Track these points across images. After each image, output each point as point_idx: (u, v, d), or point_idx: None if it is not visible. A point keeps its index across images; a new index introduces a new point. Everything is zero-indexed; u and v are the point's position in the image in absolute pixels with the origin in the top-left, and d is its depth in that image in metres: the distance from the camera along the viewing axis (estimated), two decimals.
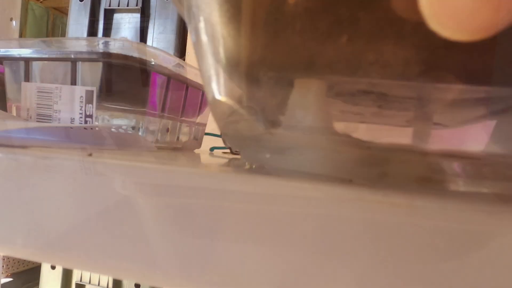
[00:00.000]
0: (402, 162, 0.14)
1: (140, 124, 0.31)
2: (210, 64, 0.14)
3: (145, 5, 1.19)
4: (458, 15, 0.07)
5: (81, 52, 0.27)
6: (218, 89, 0.14)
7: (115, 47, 0.27)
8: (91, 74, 0.28)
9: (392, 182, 0.14)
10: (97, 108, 0.28)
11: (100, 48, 0.27)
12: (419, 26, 0.10)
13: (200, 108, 0.40)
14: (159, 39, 1.21)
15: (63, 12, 1.30)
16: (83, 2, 1.21)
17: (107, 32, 1.25)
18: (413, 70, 0.12)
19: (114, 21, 1.27)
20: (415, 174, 0.14)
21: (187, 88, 0.36)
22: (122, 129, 0.24)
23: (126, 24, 1.28)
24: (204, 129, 0.43)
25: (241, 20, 0.12)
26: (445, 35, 0.08)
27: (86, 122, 0.28)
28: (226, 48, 0.13)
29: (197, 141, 0.43)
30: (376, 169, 0.14)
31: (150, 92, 0.30)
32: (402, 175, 0.14)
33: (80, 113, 0.28)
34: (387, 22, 0.11)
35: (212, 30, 0.13)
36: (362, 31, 0.12)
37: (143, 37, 1.27)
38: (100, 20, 1.23)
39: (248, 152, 0.16)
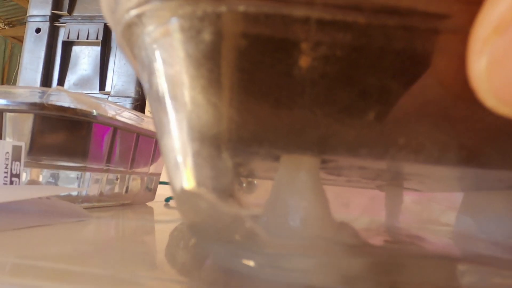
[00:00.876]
0: (417, 268, 0.11)
1: (80, 179, 0.27)
2: (179, 141, 0.10)
3: (107, 37, 1.15)
4: None
5: (8, 103, 0.23)
6: (188, 175, 0.10)
7: (49, 97, 0.23)
8: (20, 127, 0.24)
9: None
10: (27, 166, 0.24)
11: (33, 98, 0.23)
12: (465, 103, 0.08)
13: (154, 157, 0.36)
14: (120, 72, 1.16)
15: (22, 41, 1.23)
16: (39, 33, 1.16)
17: (64, 65, 1.19)
18: (450, 156, 0.09)
19: (73, 54, 1.21)
20: (432, 283, 0.11)
21: (138, 137, 0.33)
22: (47, 197, 0.20)
23: (86, 57, 1.23)
24: (159, 179, 0.39)
25: (229, 86, 0.09)
26: (503, 113, 0.07)
27: (11, 182, 0.24)
28: (203, 119, 0.10)
29: (151, 192, 0.39)
30: (386, 278, 0.11)
31: (92, 145, 0.26)
32: (416, 284, 0.11)
33: (5, 172, 0.24)
34: (426, 97, 0.09)
35: (183, 94, 0.10)
36: (394, 107, 0.09)
37: (103, 70, 1.23)
38: (58, 52, 1.18)
39: (223, 257, 0.12)
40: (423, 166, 0.11)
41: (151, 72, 0.11)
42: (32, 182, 0.26)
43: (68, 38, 1.19)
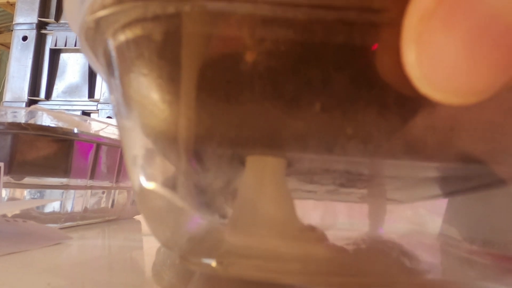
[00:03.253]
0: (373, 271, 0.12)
1: (63, 197, 0.26)
2: (137, 140, 0.11)
3: None
4: (451, 76, 0.06)
5: None
6: (146, 172, 0.10)
7: (27, 116, 0.22)
8: None
9: None
10: (7, 186, 0.23)
11: (9, 117, 0.22)
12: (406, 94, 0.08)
13: None
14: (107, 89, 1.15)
15: (10, 48, 1.21)
16: (26, 41, 1.14)
17: (52, 73, 1.18)
18: (398, 147, 0.09)
19: (61, 61, 1.20)
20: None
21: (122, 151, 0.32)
22: (23, 220, 0.19)
23: (74, 65, 1.21)
24: None
25: (182, 82, 0.09)
26: (437, 99, 0.07)
27: None
28: (160, 118, 0.10)
29: None
30: (355, 279, 0.11)
31: (74, 162, 0.25)
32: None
33: None
34: (369, 86, 0.09)
35: (141, 94, 0.10)
36: (339, 98, 0.09)
37: (92, 77, 1.21)
38: (45, 60, 1.16)
39: (189, 257, 0.12)
40: (386, 165, 0.11)
41: (110, 74, 0.11)
42: (13, 199, 0.25)
43: (55, 45, 1.17)
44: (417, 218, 0.15)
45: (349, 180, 0.13)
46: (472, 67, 0.06)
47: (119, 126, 0.11)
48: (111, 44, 0.10)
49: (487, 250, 0.13)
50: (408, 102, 0.09)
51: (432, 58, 0.06)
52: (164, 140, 0.10)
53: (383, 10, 0.08)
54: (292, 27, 0.08)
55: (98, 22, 0.10)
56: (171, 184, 0.10)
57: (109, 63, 0.11)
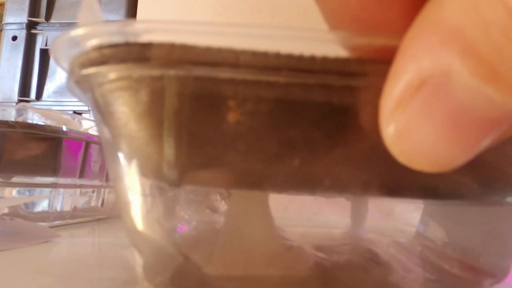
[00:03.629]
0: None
1: (51, 196, 0.26)
2: (129, 185, 0.11)
3: None
4: (426, 154, 0.07)
5: None
6: (138, 216, 0.11)
7: (16, 114, 0.22)
8: None
9: None
10: None
11: None
12: (381, 147, 0.09)
13: None
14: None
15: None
16: (16, 41, 1.12)
17: (42, 73, 1.16)
18: (373, 192, 0.10)
19: (51, 61, 1.18)
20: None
21: None
22: (11, 218, 0.19)
23: None
24: None
25: (169, 139, 0.10)
26: (416, 168, 0.07)
27: None
28: (150, 167, 0.10)
29: None
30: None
31: (63, 161, 0.25)
32: None
33: None
34: (345, 143, 0.09)
35: (129, 140, 0.10)
36: (316, 154, 0.09)
37: None
38: (35, 60, 1.14)
39: None
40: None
41: (101, 121, 0.11)
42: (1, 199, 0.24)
43: (46, 45, 1.15)
44: (396, 215, 0.16)
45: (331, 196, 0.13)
46: (445, 148, 0.07)
47: (110, 167, 0.12)
48: (98, 93, 0.10)
49: (459, 256, 0.13)
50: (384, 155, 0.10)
51: (408, 139, 0.07)
52: (153, 186, 0.11)
53: (363, 75, 0.08)
54: (273, 89, 0.09)
55: (88, 76, 0.10)
56: (162, 225, 0.11)
57: (99, 111, 0.11)
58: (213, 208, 0.14)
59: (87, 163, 0.29)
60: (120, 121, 0.10)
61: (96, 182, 0.31)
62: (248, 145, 0.09)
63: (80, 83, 0.10)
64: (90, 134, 0.27)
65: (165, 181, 0.10)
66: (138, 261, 0.19)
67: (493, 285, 0.13)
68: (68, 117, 0.25)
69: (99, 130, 0.11)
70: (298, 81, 0.09)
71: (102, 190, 0.33)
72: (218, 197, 0.14)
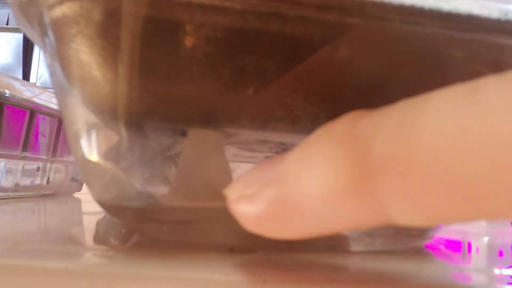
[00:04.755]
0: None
1: None
2: (79, 113, 0.11)
3: None
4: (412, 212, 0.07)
5: None
6: (89, 146, 0.11)
7: None
8: None
9: (300, 248, 0.12)
10: None
11: None
12: (330, 81, 0.09)
13: None
14: (44, 59, 1.07)
15: None
16: None
17: None
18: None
19: None
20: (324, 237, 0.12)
21: (60, 122, 0.30)
22: None
23: (6, 45, 1.11)
24: None
25: (121, 62, 0.09)
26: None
27: None
28: (100, 94, 0.10)
29: (77, 183, 0.36)
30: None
31: (4, 129, 0.24)
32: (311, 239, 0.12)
33: None
34: (297, 74, 0.10)
35: (80, 70, 0.10)
36: (270, 84, 0.09)
37: (26, 60, 1.12)
38: None
39: (132, 223, 0.13)
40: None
41: (50, 50, 0.10)
42: None
43: None
44: None
45: (284, 149, 0.14)
46: (427, 208, 0.06)
47: (59, 100, 0.11)
48: (47, 18, 0.10)
49: None
50: (332, 86, 0.10)
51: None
52: (106, 114, 0.10)
53: (315, 6, 0.09)
54: (229, 16, 0.09)
55: None
56: (114, 155, 0.11)
57: (45, 37, 0.10)
58: (166, 180, 0.14)
59: (32, 134, 0.27)
60: (70, 47, 0.09)
61: (42, 156, 0.30)
62: (202, 73, 0.09)
63: (26, 10, 0.10)
64: (35, 102, 0.26)
65: (116, 114, 0.10)
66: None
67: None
68: (12, 80, 0.23)
69: (50, 70, 0.11)
70: (253, 9, 0.09)
71: (48, 167, 0.31)
72: (171, 168, 0.14)
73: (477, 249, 0.17)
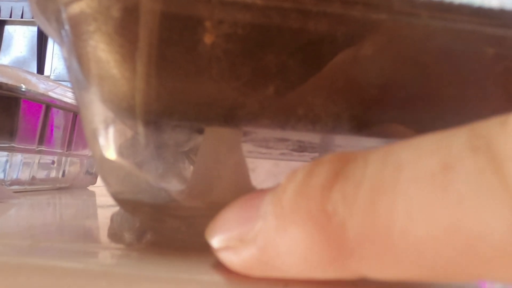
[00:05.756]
0: None
1: (6, 160, 0.24)
2: (97, 111, 0.11)
3: None
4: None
5: None
6: (107, 144, 0.10)
7: None
8: None
9: None
10: None
11: None
12: (353, 79, 0.09)
13: None
14: (62, 55, 1.08)
15: None
16: None
17: None
18: (344, 126, 0.10)
19: (6, 34, 1.11)
20: None
21: (75, 116, 0.30)
22: None
23: (21, 38, 1.13)
24: None
25: (140, 60, 0.09)
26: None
27: None
28: (119, 91, 0.10)
29: (92, 176, 0.36)
30: None
31: (21, 123, 0.24)
32: None
33: None
34: (320, 72, 0.09)
35: (98, 68, 0.10)
36: (291, 82, 0.09)
37: (41, 53, 1.13)
38: None
39: (149, 220, 0.13)
40: (334, 137, 0.12)
41: (67, 46, 0.10)
42: None
43: None
44: None
45: (301, 147, 0.14)
46: (399, 275, 0.07)
47: (77, 97, 0.11)
48: (65, 15, 0.10)
49: None
50: (353, 84, 0.10)
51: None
52: (124, 112, 0.10)
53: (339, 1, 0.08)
54: (250, 12, 0.08)
55: None
56: (130, 150, 0.11)
57: (65, 36, 0.10)
58: (181, 177, 0.14)
59: (47, 128, 0.27)
60: (87, 44, 0.09)
61: (57, 150, 0.30)
62: (222, 71, 0.09)
63: (44, 6, 0.10)
64: (51, 96, 0.26)
65: (134, 112, 0.09)
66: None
67: None
68: (28, 75, 0.23)
69: (67, 64, 0.11)
70: (275, 4, 0.08)
71: (63, 161, 0.32)
72: (187, 164, 0.14)
73: None
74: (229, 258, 0.08)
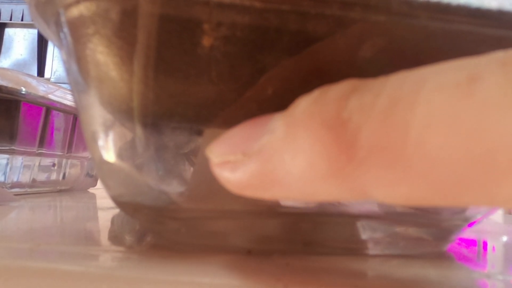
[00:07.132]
0: (329, 228, 0.13)
1: (7, 163, 0.24)
2: (96, 113, 0.10)
3: None
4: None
5: None
6: (106, 147, 0.11)
7: None
8: None
9: (317, 250, 0.12)
10: None
11: None
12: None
13: None
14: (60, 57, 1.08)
15: None
16: None
17: None
18: None
19: (6, 36, 1.11)
20: (341, 239, 0.12)
21: (75, 118, 0.30)
22: None
23: (21, 40, 1.13)
24: None
25: (139, 63, 0.09)
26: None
27: None
28: (118, 94, 0.10)
29: (92, 178, 0.36)
30: (301, 237, 0.12)
31: (21, 126, 0.24)
32: (328, 241, 0.12)
33: None
34: (319, 73, 0.09)
35: (97, 70, 0.10)
36: (289, 82, 0.09)
37: (41, 55, 1.13)
38: None
39: (148, 223, 0.12)
40: None
41: (66, 49, 0.10)
42: None
43: None
44: None
45: None
46: (408, 194, 0.07)
47: (76, 99, 0.11)
48: (64, 17, 0.10)
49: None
50: None
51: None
52: (123, 114, 0.10)
53: (337, 3, 0.08)
54: (249, 14, 0.08)
55: None
56: (129, 152, 0.10)
57: (63, 38, 0.10)
58: (181, 179, 0.14)
59: (47, 130, 0.27)
60: (86, 47, 0.09)
61: (58, 152, 0.30)
62: (221, 73, 0.09)
63: (43, 9, 0.10)
64: (50, 99, 0.26)
65: (133, 114, 0.09)
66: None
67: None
68: (28, 78, 0.23)
69: (66, 67, 0.11)
70: (274, 6, 0.08)
71: (64, 163, 0.32)
72: (186, 166, 0.14)
73: (493, 248, 0.16)
74: (227, 174, 0.08)
